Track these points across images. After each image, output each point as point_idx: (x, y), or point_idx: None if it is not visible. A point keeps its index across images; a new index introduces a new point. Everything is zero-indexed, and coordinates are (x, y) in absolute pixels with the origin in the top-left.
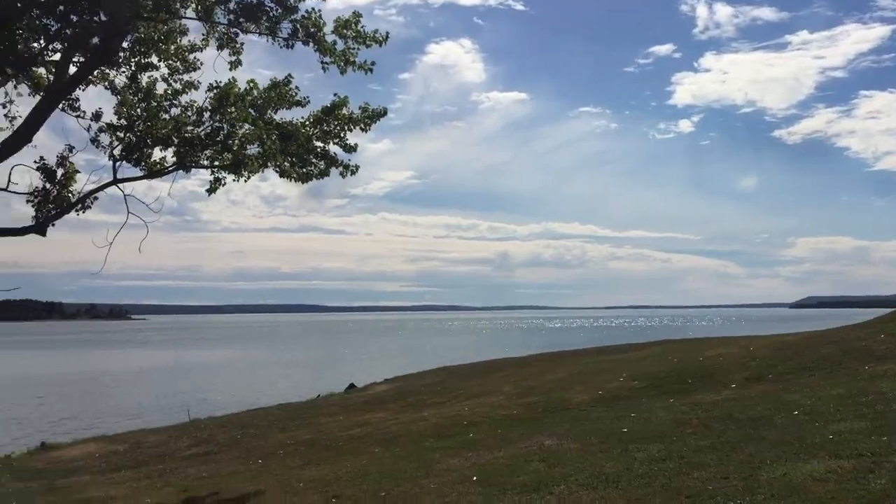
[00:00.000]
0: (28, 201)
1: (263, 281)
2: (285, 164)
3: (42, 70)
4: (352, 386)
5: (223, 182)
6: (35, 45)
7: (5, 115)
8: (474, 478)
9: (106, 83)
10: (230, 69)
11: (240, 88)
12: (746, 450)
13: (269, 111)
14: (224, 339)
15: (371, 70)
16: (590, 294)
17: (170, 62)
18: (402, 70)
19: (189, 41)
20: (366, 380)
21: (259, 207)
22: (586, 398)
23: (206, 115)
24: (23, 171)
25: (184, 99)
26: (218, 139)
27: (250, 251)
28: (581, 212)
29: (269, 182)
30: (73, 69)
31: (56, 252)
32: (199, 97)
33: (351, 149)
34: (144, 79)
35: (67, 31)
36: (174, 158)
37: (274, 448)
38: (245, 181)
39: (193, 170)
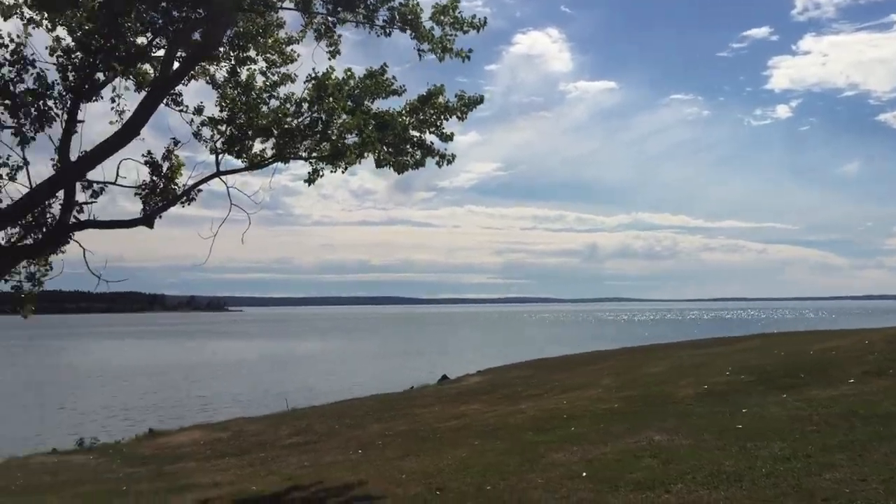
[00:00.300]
0: (136, 194)
1: (353, 273)
2: (383, 152)
3: (147, 66)
4: (444, 377)
5: (321, 173)
6: (141, 39)
7: (114, 109)
8: (583, 473)
9: (207, 78)
10: (329, 59)
11: (337, 78)
12: (880, 449)
13: (366, 101)
14: (316, 330)
15: (468, 57)
16: (681, 286)
17: (267, 55)
18: (489, 62)
19: (286, 33)
20: (458, 371)
21: (348, 201)
22: (690, 392)
23: (305, 105)
24: (130, 166)
25: (282, 91)
26: (317, 129)
27: (340, 244)
28: (672, 202)
29: (358, 176)
30: (175, 65)
31: (159, 247)
32: (296, 89)
33: (447, 137)
34: (244, 73)
35: (171, 26)
36: (273, 150)
37: (372, 438)
38: (343, 171)
39: (286, 165)
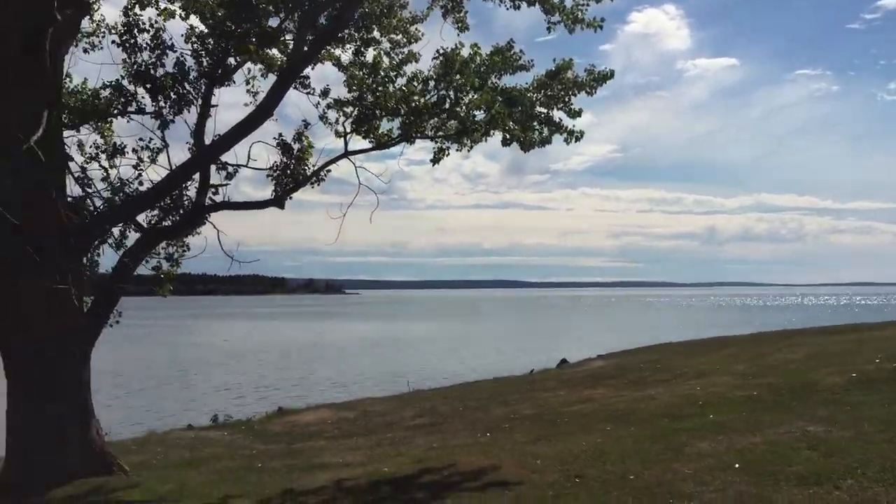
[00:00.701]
0: (268, 176)
1: (465, 257)
2: (511, 129)
3: (274, 51)
4: (564, 361)
5: (447, 152)
6: (273, 21)
7: (249, 91)
8: (736, 465)
9: (332, 61)
10: (457, 34)
11: (463, 56)
12: None
13: (493, 77)
14: (431, 313)
15: (601, 27)
16: (808, 270)
17: (391, 36)
18: (603, 41)
19: (410, 13)
20: (577, 356)
21: (461, 185)
22: (839, 381)
23: (431, 83)
24: (258, 149)
25: (407, 70)
26: (444, 107)
27: (453, 228)
28: (797, 182)
29: (471, 160)
30: (304, 48)
31: (278, 232)
32: (420, 67)
33: (576, 114)
34: (368, 54)
35: (302, 6)
36: (400, 130)
37: (497, 421)
38: (469, 150)
39: (401, 150)
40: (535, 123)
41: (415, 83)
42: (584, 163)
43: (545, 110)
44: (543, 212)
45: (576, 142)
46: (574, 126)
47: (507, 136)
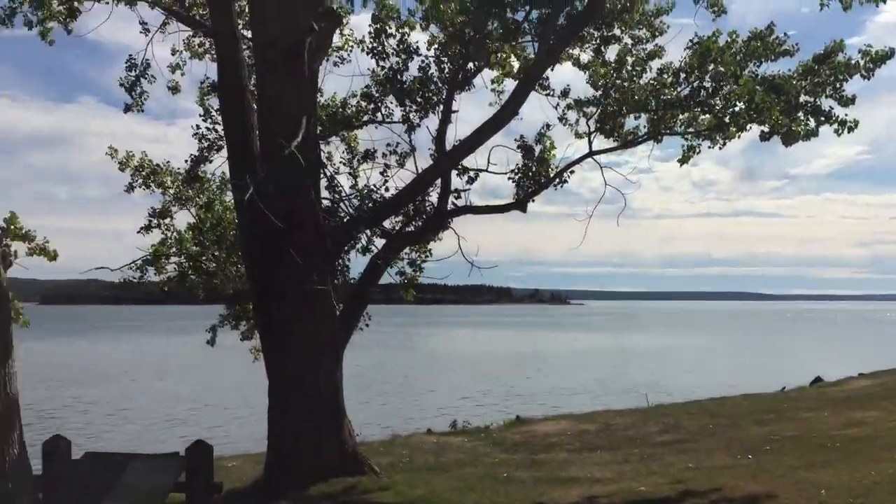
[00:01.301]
0: (509, 178)
1: (694, 267)
2: (775, 121)
3: (511, 58)
4: (818, 379)
5: (697, 150)
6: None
7: (493, 90)
8: None
9: (572, 61)
10: (713, 19)
11: (719, 44)
12: None
13: (751, 64)
14: (660, 324)
15: (884, 0)
16: None
17: (633, 32)
18: (850, 34)
19: (654, 4)
20: (832, 374)
21: (690, 193)
22: None
23: (682, 76)
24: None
25: (654, 64)
26: (698, 99)
27: (681, 237)
28: None
29: (700, 167)
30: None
31: (503, 242)
32: (667, 59)
33: (848, 101)
34: (610, 51)
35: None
36: (647, 126)
37: (756, 443)
38: (721, 147)
39: (622, 158)
40: (798, 114)
41: (665, 75)
42: (828, 166)
43: (811, 98)
44: (780, 219)
45: (848, 132)
46: (847, 115)
47: (767, 130)
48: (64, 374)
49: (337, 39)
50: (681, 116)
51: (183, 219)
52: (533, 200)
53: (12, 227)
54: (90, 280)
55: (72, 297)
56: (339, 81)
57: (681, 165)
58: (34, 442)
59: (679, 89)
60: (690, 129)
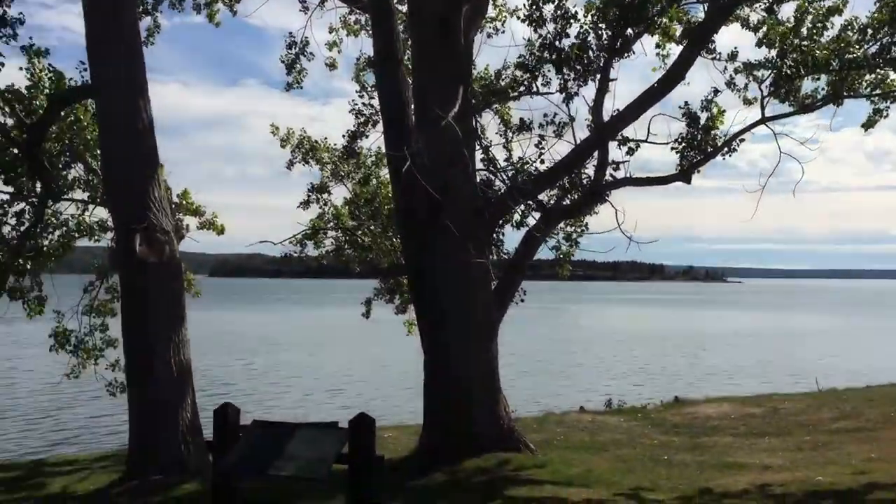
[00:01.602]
0: (672, 149)
1: (867, 244)
2: None
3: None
4: None
5: (885, 114)
6: None
7: (659, 55)
8: None
9: (740, 21)
10: None
11: None
12: None
13: None
14: (828, 304)
15: None
16: None
17: None
18: None
19: None
20: None
21: (863, 165)
22: None
23: (869, 32)
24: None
25: (836, 20)
26: (889, 56)
27: (851, 212)
28: None
29: (873, 136)
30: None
31: (654, 217)
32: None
33: None
34: (781, 10)
35: None
36: (827, 89)
37: None
38: None
39: (785, 126)
40: None
41: (849, 32)
42: None
43: None
44: None
45: None
46: None
47: None
48: (231, 343)
49: (491, 11)
50: (867, 77)
51: (339, 194)
52: (698, 171)
53: (184, 202)
54: (254, 254)
55: (237, 270)
56: (491, 54)
57: (865, 130)
58: (206, 406)
59: (865, 47)
60: (878, 91)
